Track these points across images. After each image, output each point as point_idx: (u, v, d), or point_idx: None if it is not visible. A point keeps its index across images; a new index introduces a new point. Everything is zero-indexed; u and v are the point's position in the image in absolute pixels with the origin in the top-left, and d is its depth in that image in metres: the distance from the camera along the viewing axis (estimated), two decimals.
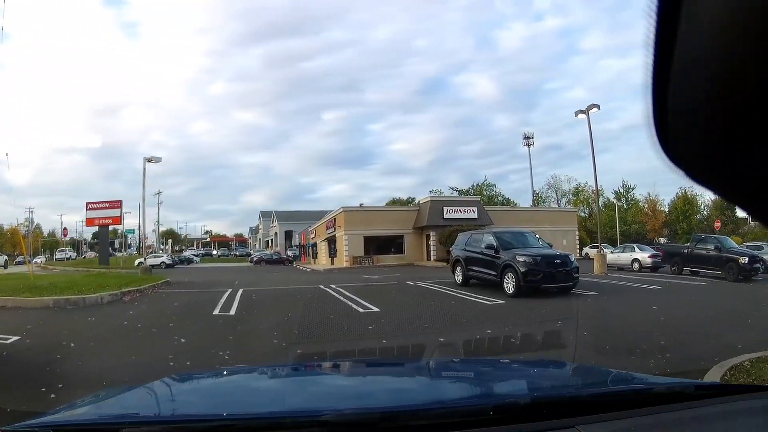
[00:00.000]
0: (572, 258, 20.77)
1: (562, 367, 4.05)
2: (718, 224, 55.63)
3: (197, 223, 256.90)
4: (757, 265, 28.51)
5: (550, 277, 19.35)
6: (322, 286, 24.45)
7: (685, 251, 32.38)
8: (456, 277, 24.58)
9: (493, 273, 21.00)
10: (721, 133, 0.69)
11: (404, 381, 3.58)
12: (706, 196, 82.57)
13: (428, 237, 57.43)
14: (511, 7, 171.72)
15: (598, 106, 38.08)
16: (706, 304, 16.89)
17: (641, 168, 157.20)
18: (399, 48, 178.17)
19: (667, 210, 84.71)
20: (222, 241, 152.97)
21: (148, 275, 32.96)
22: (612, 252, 41.68)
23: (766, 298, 19.67)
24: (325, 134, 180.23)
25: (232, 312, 15.69)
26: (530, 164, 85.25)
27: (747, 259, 27.82)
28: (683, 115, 0.72)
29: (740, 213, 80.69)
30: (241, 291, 22.63)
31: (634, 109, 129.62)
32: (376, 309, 15.62)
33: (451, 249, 27.11)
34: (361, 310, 15.61)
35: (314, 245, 77.07)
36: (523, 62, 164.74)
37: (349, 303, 17.37)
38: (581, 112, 38.54)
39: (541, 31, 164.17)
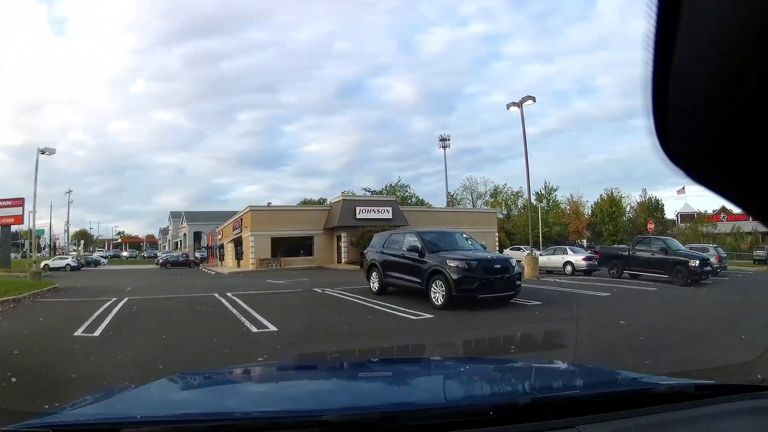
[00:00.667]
0: (513, 262, 17.79)
1: (562, 367, 3.87)
2: (651, 226, 54.00)
3: (112, 224, 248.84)
4: (708, 268, 27.58)
5: (487, 286, 16.29)
6: (217, 295, 21.51)
7: (625, 253, 30.95)
8: (371, 285, 20.97)
9: (418, 280, 17.73)
10: (721, 132, 0.69)
11: (404, 381, 3.56)
12: (632, 198, 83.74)
13: (339, 238, 54.46)
14: (436, 12, 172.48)
15: (533, 98, 34.95)
16: (679, 315, 15.10)
17: (560, 172, 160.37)
18: (319, 50, 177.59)
19: (590, 212, 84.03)
20: (133, 243, 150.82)
21: (37, 280, 30.39)
22: (542, 254, 39.27)
23: (735, 304, 18.21)
24: (240, 135, 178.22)
25: (98, 332, 12.73)
26: (445, 165, 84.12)
27: (698, 262, 26.63)
28: (683, 115, 0.71)
29: (670, 215, 78.89)
30: (125, 301, 19.97)
31: (555, 114, 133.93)
32: (273, 328, 12.90)
33: (365, 251, 23.35)
34: (255, 329, 12.79)
35: (221, 247, 73.47)
36: (444, 66, 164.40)
37: (243, 319, 14.38)
38: (514, 104, 35.10)
39: (464, 36, 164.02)
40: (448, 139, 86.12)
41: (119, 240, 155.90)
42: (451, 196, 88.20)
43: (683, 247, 31.02)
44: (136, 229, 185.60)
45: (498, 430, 2.14)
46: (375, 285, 20.64)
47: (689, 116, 0.70)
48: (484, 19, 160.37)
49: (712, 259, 30.23)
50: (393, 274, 19.49)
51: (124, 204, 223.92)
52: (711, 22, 0.62)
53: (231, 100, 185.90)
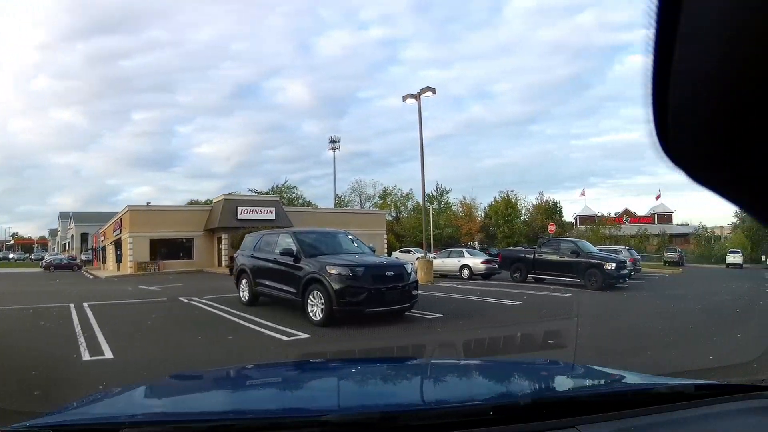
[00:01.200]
0: (409, 268, 14.95)
1: (562, 367, 3.87)
2: (552, 227, 52.27)
3: (8, 225, 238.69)
4: (625, 271, 26.61)
5: (377, 297, 13.54)
6: (73, 306, 18.43)
7: (530, 256, 29.17)
8: (241, 294, 17.91)
9: (292, 290, 14.75)
10: (721, 133, 0.69)
11: (404, 381, 3.58)
12: (529, 200, 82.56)
13: (220, 240, 51.17)
14: (337, 16, 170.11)
15: (433, 90, 31.91)
16: (616, 328, 13.34)
17: (454, 176, 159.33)
18: (217, 51, 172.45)
19: (483, 214, 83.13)
20: (26, 244, 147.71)
21: None
22: (436, 257, 36.30)
23: (672, 312, 16.67)
24: (135, 135, 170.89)
25: None
26: (334, 167, 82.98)
27: (614, 265, 25.41)
28: (683, 115, 0.71)
29: (569, 218, 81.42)
30: None
31: (451, 118, 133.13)
32: (109, 355, 10.42)
33: (235, 255, 20.10)
34: (87, 356, 10.26)
35: (104, 249, 69.12)
36: (340, 70, 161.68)
37: (81, 340, 11.85)
38: (411, 96, 32.12)
39: (363, 40, 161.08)
40: (338, 141, 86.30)
41: (11, 242, 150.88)
42: (339, 198, 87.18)
43: (595, 249, 29.63)
44: (31, 230, 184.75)
45: (498, 430, 2.13)
46: (245, 295, 17.63)
47: (689, 116, 0.70)
48: (384, 23, 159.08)
49: (627, 263, 28.90)
50: (264, 282, 16.42)
51: (22, 205, 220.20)
52: (711, 23, 0.62)
53: (128, 100, 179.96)
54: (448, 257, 35.70)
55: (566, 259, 26.59)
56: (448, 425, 2.12)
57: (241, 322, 14.02)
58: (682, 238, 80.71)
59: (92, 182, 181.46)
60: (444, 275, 32.87)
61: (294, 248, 15.01)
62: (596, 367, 3.96)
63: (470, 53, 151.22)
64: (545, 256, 27.88)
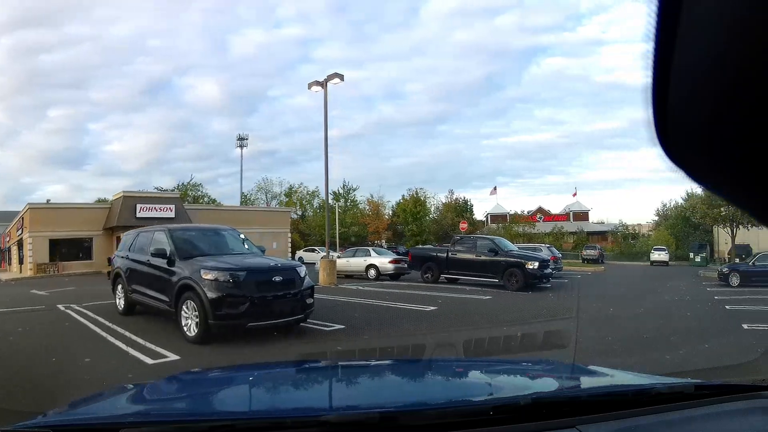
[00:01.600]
0: (303, 272, 12.49)
1: (562, 367, 3.91)
2: (464, 225, 49.30)
3: None
4: (548, 270, 25.15)
5: (263, 308, 11.18)
6: None
7: (443, 255, 27.15)
8: (117, 302, 15.39)
9: (165, 299, 12.33)
10: (722, 134, 0.69)
11: (404, 381, 3.58)
12: (438, 198, 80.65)
13: (119, 239, 46.13)
14: (254, 13, 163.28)
15: (341, 76, 28.62)
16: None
17: (362, 175, 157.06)
18: (133, 46, 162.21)
19: (391, 212, 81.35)
20: None
21: None
22: (341, 256, 34.06)
23: (616, 319, 14.70)
24: (50, 132, 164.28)
25: None
26: (241, 165, 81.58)
27: (537, 264, 23.95)
28: (684, 117, 0.72)
29: (479, 216, 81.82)
30: None
31: (359, 118, 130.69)
32: None
33: (113, 256, 17.42)
34: None
35: (8, 250, 64.52)
36: (253, 67, 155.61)
37: None
38: (318, 83, 28.74)
39: (278, 38, 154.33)
40: (246, 138, 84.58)
41: None
42: (246, 196, 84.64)
43: (515, 247, 28.10)
44: None
45: (498, 430, 2.14)
46: (120, 302, 15.16)
47: (689, 117, 0.70)
48: (301, 22, 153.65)
49: (549, 260, 27.75)
50: (138, 288, 13.95)
51: None
52: (712, 23, 0.63)
53: (44, 95, 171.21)
54: (354, 256, 33.27)
55: (483, 258, 24.95)
56: (448, 425, 2.13)
57: (109, 337, 11.77)
58: (599, 235, 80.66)
59: (7, 180, 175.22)
60: (349, 276, 30.70)
61: (167, 248, 12.57)
62: (596, 367, 3.91)
63: (384, 54, 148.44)
64: (460, 255, 26.05)
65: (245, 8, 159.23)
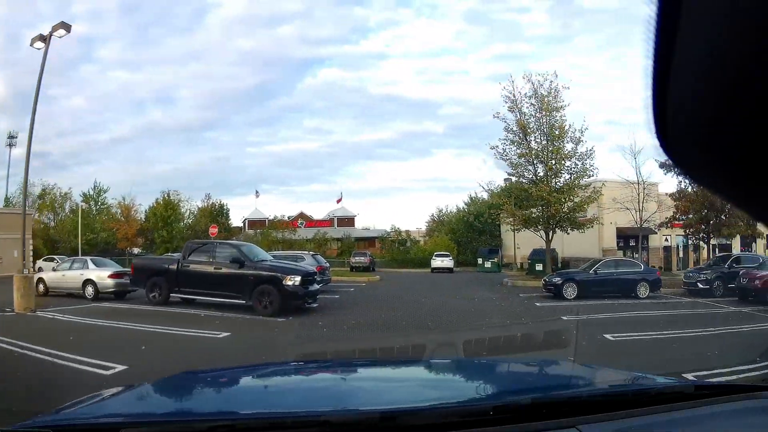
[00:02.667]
0: None
1: (562, 367, 3.92)
2: (214, 230, 46.09)
3: None
4: (315, 286, 19.67)
5: None
6: None
7: (173, 267, 20.45)
8: None
9: None
10: (721, 134, 0.69)
11: (404, 381, 3.58)
12: (194, 203, 73.77)
13: None
14: (52, 8, 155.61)
15: (67, 27, 22.36)
16: None
17: (126, 180, 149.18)
18: None
19: (143, 217, 72.58)
20: None
21: None
22: (56, 269, 27.60)
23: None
24: None
25: None
26: (9, 166, 71.76)
27: (297, 278, 18.29)
28: (683, 117, 0.72)
29: (239, 222, 77.80)
30: None
31: (130, 122, 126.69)
32: None
33: None
34: None
35: None
36: (36, 65, 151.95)
37: None
38: (42, 38, 22.34)
39: (63, 35, 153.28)
40: (16, 137, 73.44)
41: None
42: (8, 199, 73.57)
43: (268, 256, 22.24)
44: None
45: (498, 430, 2.14)
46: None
47: (689, 118, 0.70)
48: (90, 20, 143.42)
49: (314, 272, 22.51)
50: None
51: None
52: (711, 24, 0.63)
53: None
54: (70, 269, 25.86)
55: (225, 271, 18.97)
56: (448, 425, 2.13)
57: None
58: (368, 241, 75.70)
59: None
60: (71, 294, 24.07)
61: None
62: (596, 367, 3.94)
63: (162, 57, 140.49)
64: (194, 267, 19.67)
65: (46, 3, 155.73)
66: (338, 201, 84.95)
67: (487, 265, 53.56)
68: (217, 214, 71.35)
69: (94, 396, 2.97)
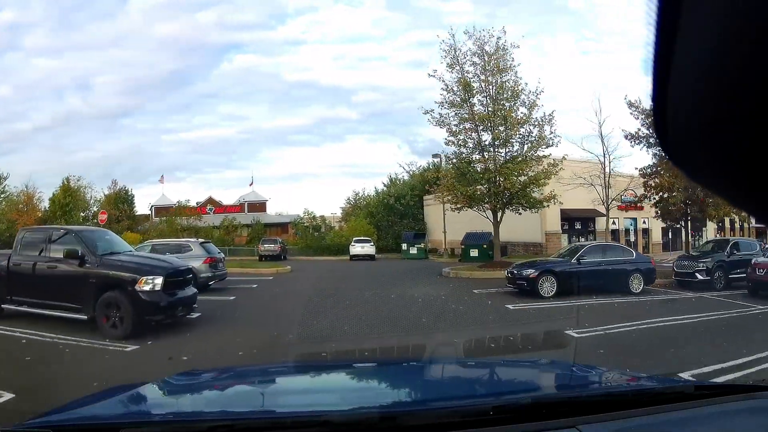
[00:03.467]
0: None
1: (562, 367, 3.93)
2: (103, 216, 42.54)
3: None
4: (189, 292, 13.87)
5: None
6: None
7: (5, 263, 13.90)
8: None
9: None
10: (722, 134, 0.69)
11: (404, 381, 3.59)
12: (101, 189, 67.07)
13: None
14: None
15: None
16: None
17: (43, 170, 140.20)
18: None
19: (47, 205, 63.01)
20: None
21: None
22: None
23: None
24: None
25: None
26: None
27: (158, 281, 12.47)
28: (684, 117, 0.72)
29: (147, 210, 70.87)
30: None
31: (50, 110, 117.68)
32: None
33: None
34: None
35: None
36: None
37: None
38: None
39: None
40: None
41: None
42: None
43: (125, 246, 15.04)
44: None
45: (498, 430, 2.14)
46: None
47: (690, 118, 0.71)
48: (16, 6, 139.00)
49: (198, 265, 18.48)
50: None
51: None
52: (712, 24, 0.63)
53: None
54: None
55: (60, 269, 12.79)
56: (448, 425, 2.13)
57: None
58: (280, 227, 70.14)
59: None
60: None
61: None
62: (596, 368, 3.93)
63: (84, 44, 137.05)
64: (26, 266, 13.36)
65: None
66: (250, 185, 79.39)
67: (413, 251, 47.96)
68: (121, 200, 66.20)
69: (94, 396, 3.00)
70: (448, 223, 45.47)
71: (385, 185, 67.03)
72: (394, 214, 59.81)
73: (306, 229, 63.66)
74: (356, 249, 47.35)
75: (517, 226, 37.44)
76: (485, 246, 37.85)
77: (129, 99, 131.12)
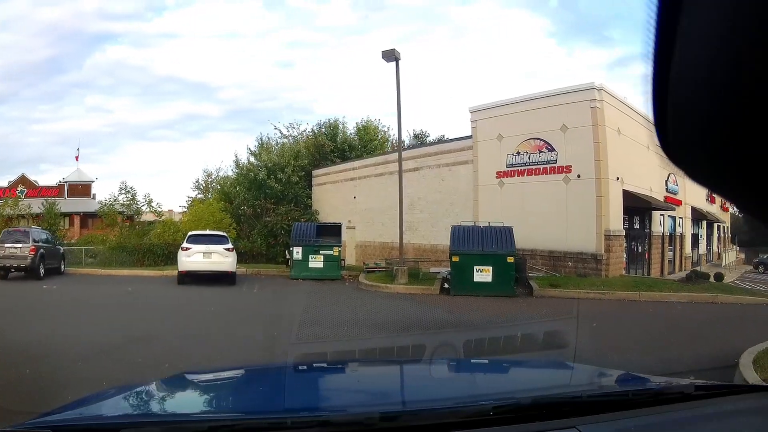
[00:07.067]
0: None
1: (562, 367, 3.91)
2: None
3: None
4: None
5: None
6: None
7: None
8: None
9: None
10: (721, 134, 0.69)
11: (404, 381, 3.58)
12: None
13: None
14: None
15: None
16: None
17: None
18: None
19: None
20: None
21: None
22: None
23: None
24: None
25: None
26: None
27: None
28: (683, 117, 0.72)
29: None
30: None
31: None
32: None
33: None
34: None
35: None
36: None
37: None
38: None
39: None
40: None
41: None
42: None
43: None
44: None
45: (498, 430, 2.14)
46: None
47: (690, 118, 0.70)
48: None
49: None
50: None
51: None
52: (712, 24, 0.63)
53: None
54: None
55: None
56: (448, 425, 2.13)
57: None
58: (93, 218, 45.69)
59: None
60: None
61: None
62: (596, 367, 3.92)
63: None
64: None
65: None
66: (76, 158, 57.57)
67: (314, 264, 24.04)
68: None
69: (94, 396, 2.99)
70: (359, 210, 32.10)
71: (251, 152, 42.20)
72: (267, 196, 36.24)
73: (115, 218, 35.54)
74: (194, 259, 21.79)
75: (541, 222, 23.55)
76: (506, 259, 19.08)
77: (3, 85, 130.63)
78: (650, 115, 0.73)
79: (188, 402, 3.08)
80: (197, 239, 22.50)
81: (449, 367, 4.06)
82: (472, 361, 5.04)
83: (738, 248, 42.33)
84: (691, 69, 0.66)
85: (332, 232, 25.85)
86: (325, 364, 4.86)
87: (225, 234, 24.66)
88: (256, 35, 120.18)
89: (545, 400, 2.39)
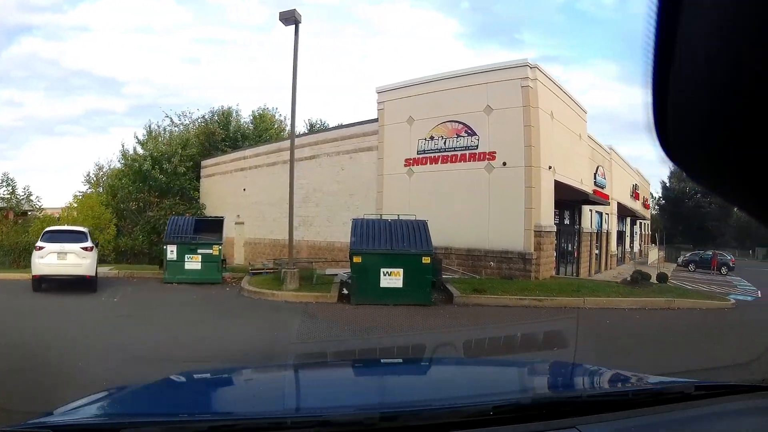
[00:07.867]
0: None
1: (562, 367, 3.89)
2: None
3: None
4: None
5: None
6: None
7: None
8: None
9: None
10: (721, 134, 0.70)
11: (404, 381, 3.60)
12: None
13: None
14: None
15: None
16: None
17: None
18: None
19: None
20: None
21: None
22: None
23: None
24: None
25: None
26: None
27: None
28: (683, 117, 0.72)
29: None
30: None
31: None
32: None
33: None
34: None
35: None
36: None
37: None
38: None
39: None
40: None
41: None
42: None
43: None
44: None
45: (498, 430, 2.15)
46: None
47: (689, 118, 0.71)
48: None
49: None
50: None
51: None
52: (711, 24, 0.63)
53: None
54: None
55: None
56: (448, 425, 2.14)
57: None
58: None
59: None
60: None
61: None
62: (596, 367, 3.88)
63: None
64: None
65: None
66: None
67: (192, 265, 20.97)
68: None
69: (94, 396, 2.98)
70: (249, 203, 29.70)
71: (138, 141, 39.33)
72: (152, 188, 34.58)
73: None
74: (47, 261, 17.90)
75: (458, 216, 21.39)
76: (421, 259, 16.11)
77: None
78: (650, 115, 0.74)
79: (188, 402, 3.09)
80: (53, 236, 18.61)
81: (449, 367, 4.07)
82: (471, 360, 5.01)
83: (658, 246, 41.88)
84: (691, 69, 0.66)
85: (213, 227, 22.50)
86: (324, 364, 4.94)
87: (85, 230, 19.99)
88: (165, 30, 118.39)
89: (545, 400, 2.42)
